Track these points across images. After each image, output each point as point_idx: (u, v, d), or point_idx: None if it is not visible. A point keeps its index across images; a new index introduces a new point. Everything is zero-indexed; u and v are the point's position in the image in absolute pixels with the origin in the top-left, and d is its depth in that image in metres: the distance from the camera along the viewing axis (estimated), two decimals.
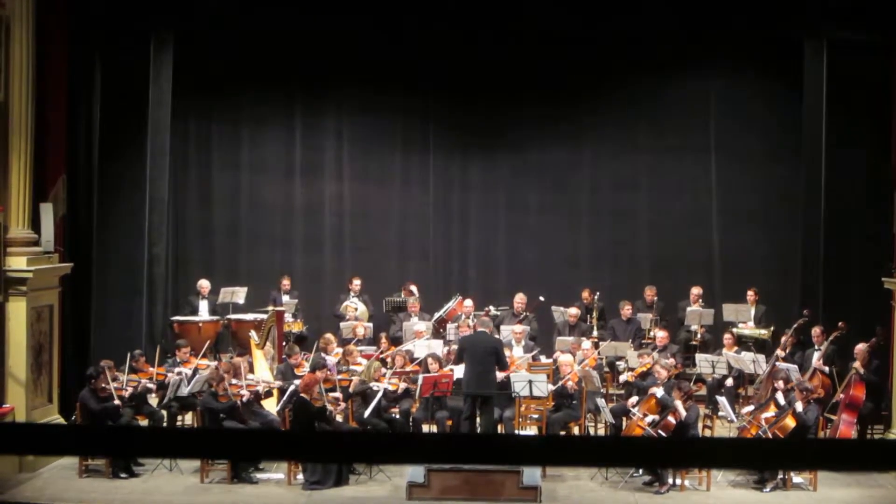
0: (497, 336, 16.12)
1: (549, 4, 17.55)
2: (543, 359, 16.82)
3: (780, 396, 14.44)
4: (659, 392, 14.32)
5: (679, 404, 14.01)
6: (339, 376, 15.48)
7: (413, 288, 18.81)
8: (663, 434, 13.84)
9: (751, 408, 14.91)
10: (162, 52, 17.60)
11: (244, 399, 14.46)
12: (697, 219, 19.82)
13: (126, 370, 15.21)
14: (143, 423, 14.94)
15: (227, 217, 20.03)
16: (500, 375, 14.85)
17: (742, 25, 17.82)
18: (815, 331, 16.37)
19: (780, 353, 16.21)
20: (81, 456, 13.82)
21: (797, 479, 14.15)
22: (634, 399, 15.01)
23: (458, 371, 14.96)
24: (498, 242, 20.26)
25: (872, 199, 18.12)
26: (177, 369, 15.67)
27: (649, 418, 14.26)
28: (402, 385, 15.19)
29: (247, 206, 20.05)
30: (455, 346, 15.87)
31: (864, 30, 17.42)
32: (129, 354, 15.53)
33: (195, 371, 15.68)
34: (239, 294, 18.47)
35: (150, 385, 15.31)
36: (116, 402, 14.33)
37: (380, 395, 14.84)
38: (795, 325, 16.77)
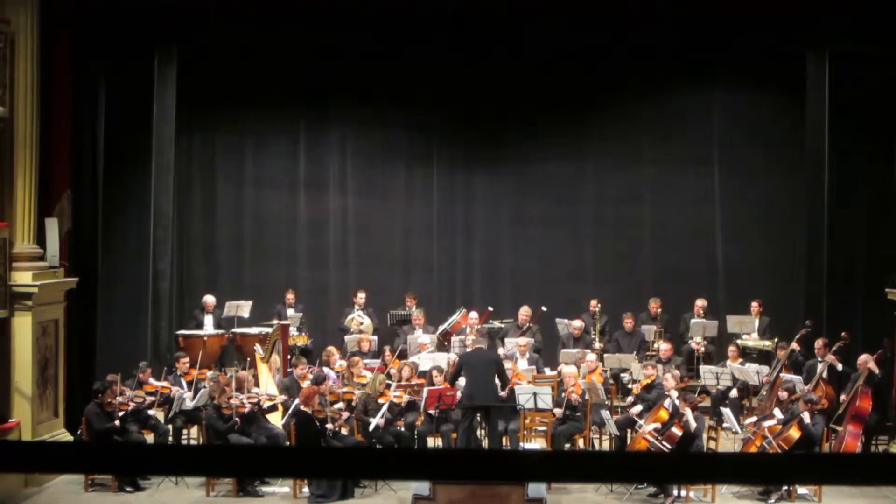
0: (494, 348, 16.26)
1: (552, 19, 17.56)
2: (548, 371, 16.87)
3: (777, 412, 14.47)
4: (669, 402, 14.34)
5: (689, 411, 14.03)
6: (344, 389, 15.52)
7: (411, 303, 18.81)
8: (668, 445, 13.86)
9: (754, 419, 14.94)
10: (166, 67, 17.64)
11: (247, 412, 14.50)
12: (701, 231, 19.85)
13: (133, 385, 15.26)
14: (149, 437, 14.98)
15: (231, 232, 20.08)
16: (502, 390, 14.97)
17: (744, 38, 17.85)
18: (818, 342, 16.39)
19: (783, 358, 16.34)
20: (87, 473, 13.86)
21: (802, 490, 14.16)
22: (638, 408, 15.03)
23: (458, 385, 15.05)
24: (502, 256, 20.28)
25: (875, 211, 18.17)
26: (176, 388, 15.69)
27: (651, 426, 14.28)
28: (406, 398, 15.22)
29: (251, 221, 20.10)
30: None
31: (867, 42, 17.45)
32: (138, 366, 15.63)
33: (196, 383, 15.73)
34: (244, 308, 18.50)
35: (152, 403, 15.32)
36: (116, 422, 14.36)
37: (385, 408, 14.86)
38: (798, 336, 16.80)
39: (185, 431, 15.68)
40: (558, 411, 14.98)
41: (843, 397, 15.61)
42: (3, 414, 14.47)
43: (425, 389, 15.02)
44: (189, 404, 15.35)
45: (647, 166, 20.01)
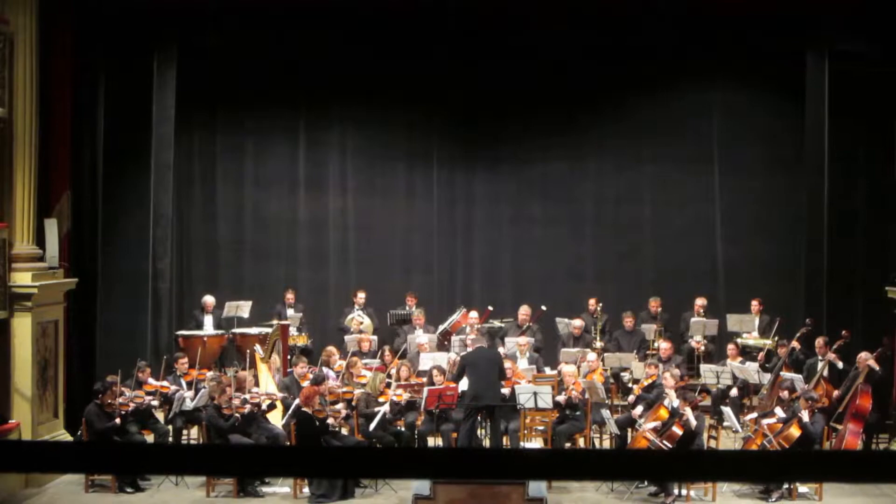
0: (494, 348, 16.25)
1: (553, 19, 17.56)
2: (548, 370, 16.86)
3: (778, 411, 14.48)
4: (672, 402, 14.34)
5: (689, 411, 14.02)
6: (344, 389, 15.51)
7: (411, 302, 18.81)
8: (669, 444, 13.85)
9: (754, 415, 14.95)
10: (166, 67, 17.65)
11: (246, 412, 14.49)
12: (701, 230, 19.85)
13: (132, 385, 15.25)
14: (149, 437, 14.97)
15: (231, 231, 20.07)
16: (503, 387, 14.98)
17: (744, 38, 17.85)
18: (819, 341, 16.40)
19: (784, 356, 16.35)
20: (87, 474, 13.85)
21: (802, 489, 14.16)
22: (639, 409, 15.03)
23: (461, 385, 15.02)
24: (502, 255, 20.29)
25: (875, 209, 18.17)
26: (174, 387, 15.68)
27: (651, 424, 14.29)
28: (406, 396, 15.21)
29: (251, 221, 20.10)
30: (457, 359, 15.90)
31: (866, 41, 17.45)
32: (136, 365, 15.63)
33: (196, 383, 15.72)
34: (243, 308, 18.49)
35: (154, 402, 15.33)
36: (117, 420, 14.35)
37: (385, 408, 14.86)
38: (798, 335, 16.80)
39: (184, 432, 15.67)
40: (562, 398, 15.00)
41: (835, 393, 15.61)
42: (3, 415, 14.46)
43: (425, 389, 15.01)
44: (189, 405, 15.34)
45: (647, 166, 20.00)
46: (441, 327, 18.13)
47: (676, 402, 14.29)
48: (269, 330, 17.23)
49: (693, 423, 14.00)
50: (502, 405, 14.71)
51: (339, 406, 14.91)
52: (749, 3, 17.15)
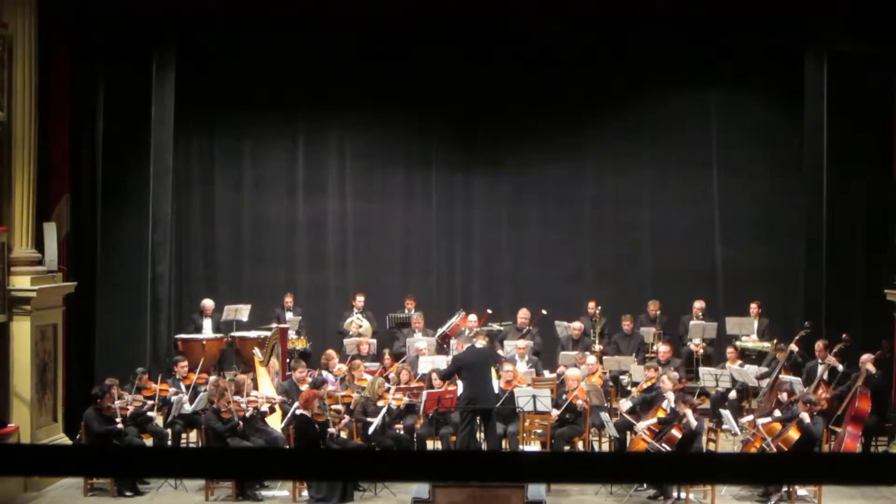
0: (493, 348, 16.27)
1: (550, 21, 17.55)
2: (547, 373, 16.84)
3: (777, 413, 14.48)
4: (669, 402, 14.33)
5: (689, 412, 14.00)
6: (343, 392, 15.49)
7: (410, 305, 18.80)
8: (668, 447, 13.84)
9: (750, 417, 14.94)
10: (164, 70, 17.64)
11: (246, 415, 14.47)
12: (700, 232, 19.83)
13: (133, 389, 15.24)
14: (148, 441, 14.95)
15: (230, 234, 20.06)
16: (496, 384, 14.93)
17: (743, 38, 17.83)
18: (819, 345, 16.37)
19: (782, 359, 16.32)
20: (86, 477, 13.83)
21: (801, 491, 14.14)
22: (627, 404, 15.12)
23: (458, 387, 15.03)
24: (501, 258, 20.27)
25: (874, 211, 18.14)
26: (172, 389, 15.66)
27: (647, 422, 14.29)
28: (405, 400, 15.19)
29: (250, 224, 20.09)
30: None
31: (865, 42, 17.43)
32: (135, 372, 15.61)
33: (195, 387, 15.70)
34: (242, 311, 18.47)
35: (151, 414, 15.29)
36: (119, 425, 14.31)
37: (384, 411, 14.84)
38: (797, 337, 16.77)
39: (184, 435, 15.65)
40: (555, 413, 14.96)
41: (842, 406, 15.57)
42: (2, 419, 14.45)
43: (424, 392, 14.99)
44: (188, 408, 15.33)
45: (645, 167, 19.99)
46: (440, 330, 18.11)
47: (674, 405, 14.27)
48: (268, 333, 17.21)
49: (693, 423, 13.98)
50: (500, 407, 14.68)
51: (338, 408, 14.89)
52: (748, 3, 17.12)
